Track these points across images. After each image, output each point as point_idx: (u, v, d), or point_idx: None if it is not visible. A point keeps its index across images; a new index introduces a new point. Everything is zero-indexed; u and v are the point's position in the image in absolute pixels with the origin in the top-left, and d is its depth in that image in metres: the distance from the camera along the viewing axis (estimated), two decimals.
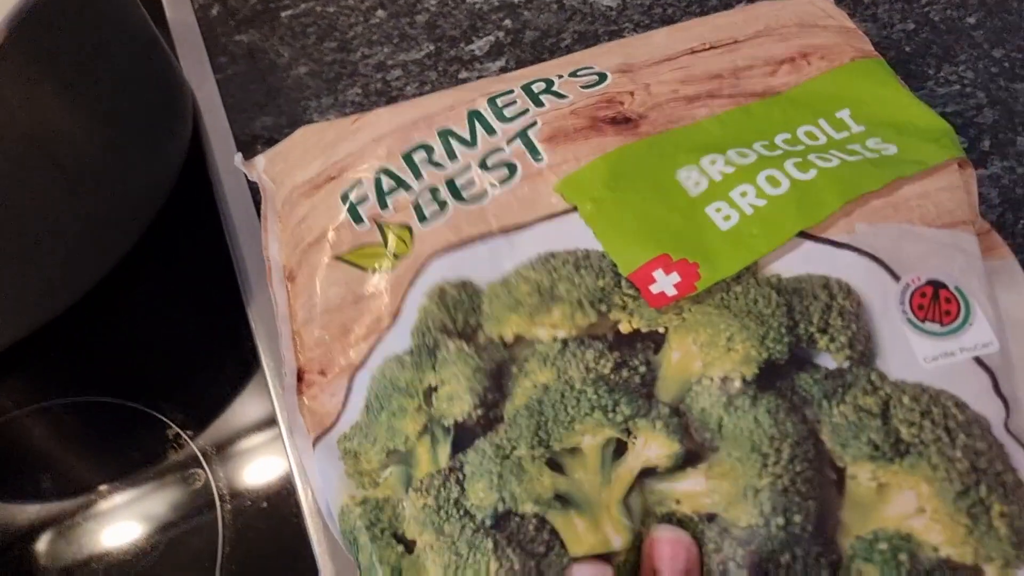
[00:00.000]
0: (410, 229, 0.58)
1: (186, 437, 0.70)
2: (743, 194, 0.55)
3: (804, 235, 0.53)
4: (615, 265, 0.54)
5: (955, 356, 0.50)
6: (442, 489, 0.50)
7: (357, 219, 0.60)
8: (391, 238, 0.58)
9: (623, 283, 0.53)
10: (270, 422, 0.68)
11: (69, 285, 0.75)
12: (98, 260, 0.76)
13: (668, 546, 0.47)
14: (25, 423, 0.73)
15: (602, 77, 0.64)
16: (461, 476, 0.50)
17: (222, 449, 0.69)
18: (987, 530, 0.45)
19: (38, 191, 0.67)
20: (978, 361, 0.50)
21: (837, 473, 0.48)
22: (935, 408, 0.48)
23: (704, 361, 0.50)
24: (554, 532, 0.48)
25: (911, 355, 0.50)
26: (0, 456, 0.71)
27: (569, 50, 0.89)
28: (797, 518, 0.46)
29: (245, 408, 0.71)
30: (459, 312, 0.54)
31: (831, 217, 0.54)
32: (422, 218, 0.58)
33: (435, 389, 0.53)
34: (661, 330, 0.52)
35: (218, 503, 0.65)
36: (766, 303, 0.51)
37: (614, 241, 0.55)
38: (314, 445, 0.57)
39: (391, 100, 0.88)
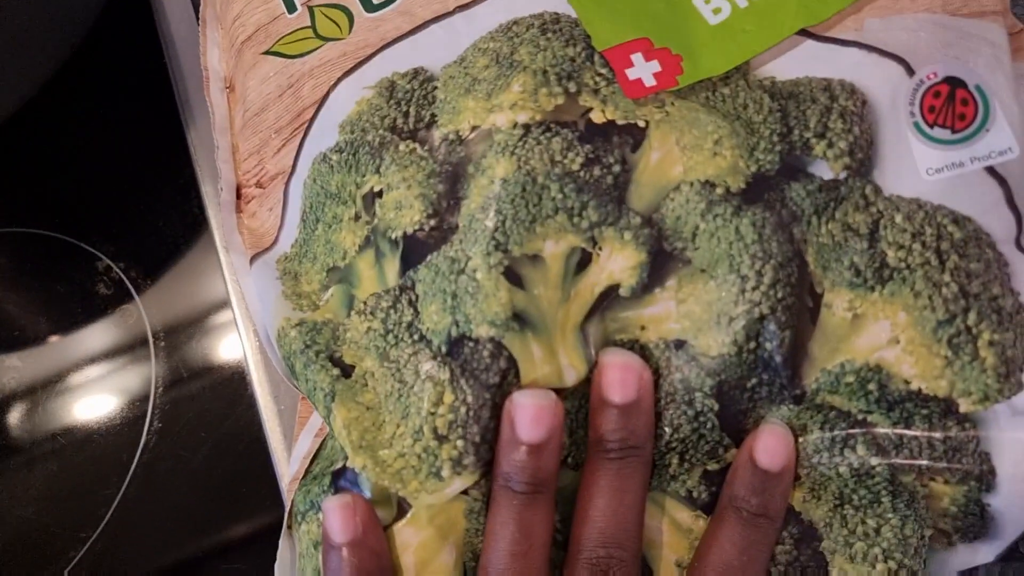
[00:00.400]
0: (348, 12, 0.51)
1: (118, 270, 0.63)
2: None
3: (805, 33, 0.46)
4: (589, 36, 0.46)
5: (964, 167, 0.43)
6: (391, 311, 0.44)
7: (291, 8, 0.52)
8: (320, 19, 0.51)
9: (596, 59, 0.46)
10: (209, 253, 0.61)
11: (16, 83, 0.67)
12: (22, 80, 0.67)
13: (618, 372, 0.41)
14: None
15: None
16: (414, 296, 0.43)
17: (156, 282, 0.62)
18: (970, 361, 0.40)
19: None
20: (991, 172, 0.43)
21: (814, 300, 0.42)
22: (928, 228, 0.42)
23: (686, 166, 0.43)
24: (511, 360, 0.42)
25: (912, 166, 0.43)
26: None
27: None
28: (769, 345, 0.40)
29: (183, 238, 0.64)
30: (411, 105, 0.47)
31: (837, 15, 0.46)
32: (368, 5, 0.50)
33: (378, 195, 0.46)
34: (641, 123, 0.44)
35: (151, 339, 0.60)
36: (757, 109, 0.44)
37: (590, 11, 0.47)
38: (251, 264, 0.51)
39: None
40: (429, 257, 0.44)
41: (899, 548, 0.41)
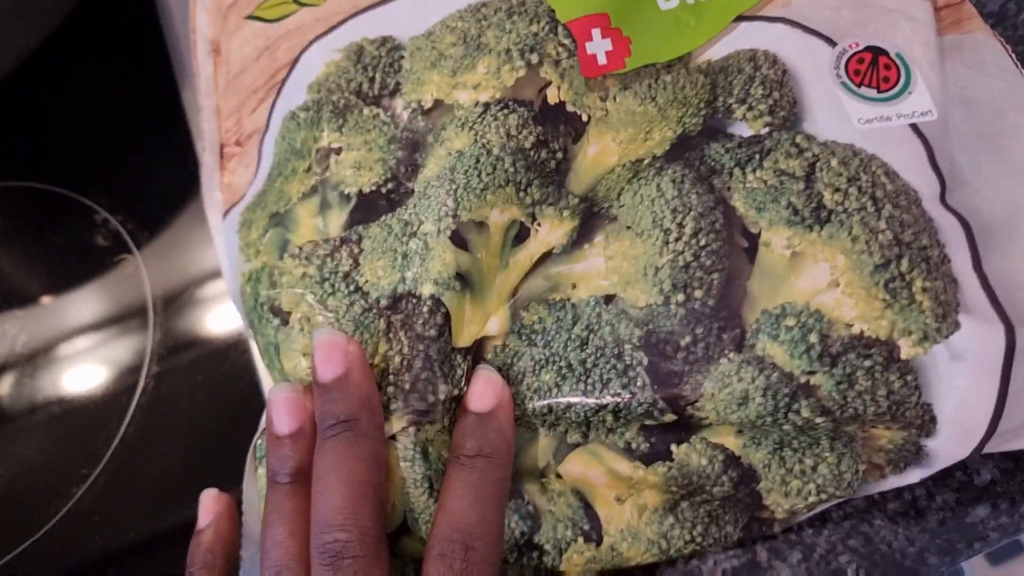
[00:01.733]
0: None
1: (115, 222, 0.60)
2: None
3: (740, 19, 0.44)
4: (552, 12, 0.43)
5: (891, 121, 0.40)
6: (328, 259, 0.41)
7: None
8: None
9: (560, 31, 0.43)
10: (203, 209, 0.54)
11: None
12: (20, 38, 0.64)
13: (480, 384, 0.38)
14: None
15: None
16: (357, 250, 0.41)
17: (153, 234, 0.60)
18: (907, 304, 0.36)
19: None
20: (915, 130, 0.40)
21: (749, 240, 0.39)
22: (864, 175, 0.38)
23: (620, 155, 0.41)
24: (447, 316, 0.39)
25: (844, 116, 0.40)
26: None
27: None
28: (698, 293, 0.37)
29: (179, 192, 0.61)
30: (377, 71, 0.44)
31: None
32: None
33: (336, 151, 0.43)
34: (584, 117, 0.42)
35: (148, 288, 0.57)
36: (692, 86, 0.41)
37: None
38: (224, 219, 0.48)
39: None
40: (383, 217, 0.41)
41: (833, 483, 0.38)
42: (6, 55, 0.63)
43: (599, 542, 0.39)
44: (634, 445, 0.38)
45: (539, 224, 0.40)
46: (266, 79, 0.48)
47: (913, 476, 0.39)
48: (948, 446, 0.37)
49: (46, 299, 0.59)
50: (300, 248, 0.42)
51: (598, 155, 0.42)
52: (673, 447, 0.38)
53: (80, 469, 0.54)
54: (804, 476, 0.38)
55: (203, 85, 0.52)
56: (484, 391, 0.38)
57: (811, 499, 0.38)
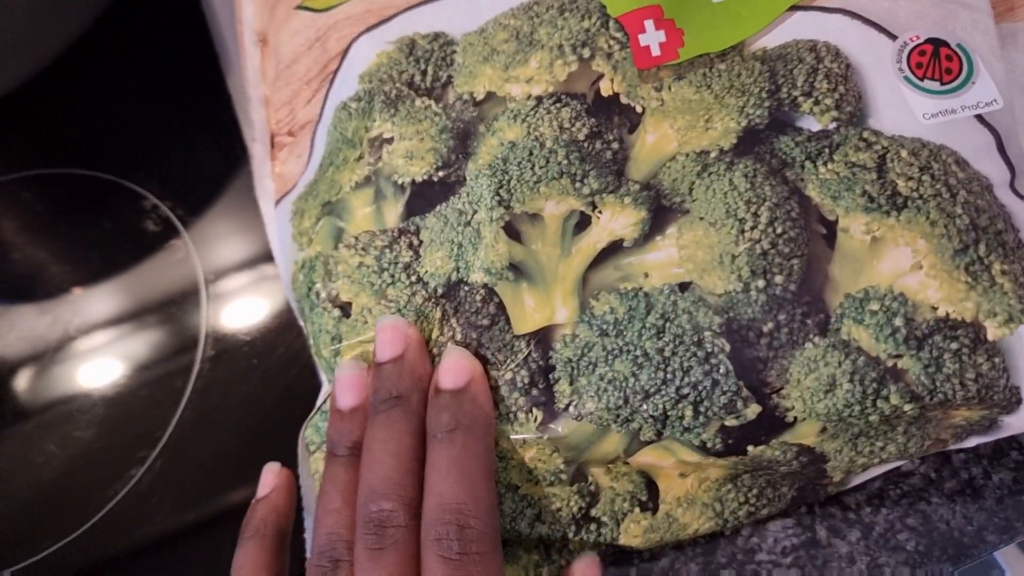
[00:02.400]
0: None
1: (164, 207, 0.58)
2: None
3: (795, 8, 0.41)
4: (604, 7, 0.41)
5: (956, 113, 0.38)
6: (387, 251, 0.39)
7: None
8: None
9: (611, 25, 0.41)
10: (251, 194, 0.53)
11: (35, 52, 0.61)
12: (66, 25, 0.61)
13: (449, 361, 0.36)
14: None
15: None
16: (416, 241, 0.39)
17: (203, 219, 0.58)
18: (989, 286, 0.34)
19: None
20: (981, 120, 0.38)
21: (827, 227, 0.37)
22: (935, 163, 0.36)
23: (680, 142, 0.39)
24: (500, 306, 0.37)
25: (909, 112, 0.38)
26: None
27: None
28: (779, 278, 0.35)
29: (226, 177, 0.59)
30: (429, 64, 0.42)
31: None
32: None
33: (388, 141, 0.41)
34: (639, 108, 0.40)
35: (200, 272, 0.55)
36: (749, 74, 0.39)
37: None
38: (276, 207, 0.46)
39: None
40: (439, 207, 0.39)
41: (896, 457, 0.36)
42: (51, 42, 0.59)
43: (655, 511, 0.37)
44: (709, 444, 0.35)
45: (600, 212, 0.38)
46: (319, 69, 0.45)
47: (972, 442, 0.37)
48: (1021, 421, 0.36)
49: (98, 284, 0.56)
50: (356, 238, 0.40)
51: (656, 142, 0.39)
52: (750, 448, 0.35)
53: (138, 452, 0.52)
54: (872, 455, 0.36)
55: (251, 76, 0.49)
56: (455, 367, 0.36)
57: (872, 467, 0.37)
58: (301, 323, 0.43)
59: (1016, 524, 0.41)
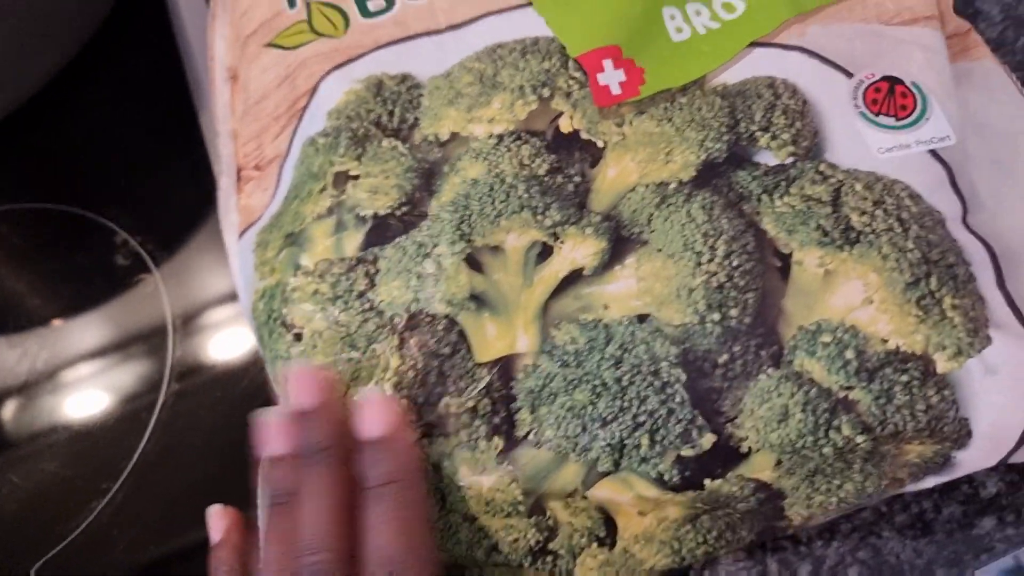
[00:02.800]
0: (344, 14, 0.47)
1: (134, 243, 0.58)
2: (697, 12, 0.44)
3: (755, 44, 0.43)
4: (564, 49, 0.42)
5: (910, 148, 0.39)
6: (343, 279, 0.39)
7: (291, 3, 0.49)
8: (316, 15, 0.47)
9: (570, 65, 0.42)
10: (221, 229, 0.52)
11: (10, 88, 0.61)
12: (41, 63, 0.61)
13: (367, 410, 0.35)
14: None
15: None
16: (373, 270, 0.39)
17: (173, 255, 0.58)
18: (940, 320, 0.35)
19: None
20: (935, 155, 0.39)
21: (782, 260, 0.37)
22: (888, 198, 0.37)
23: (640, 173, 0.39)
24: (462, 335, 0.37)
25: (864, 146, 0.39)
26: None
27: None
28: (734, 312, 0.35)
29: (197, 213, 0.58)
30: (396, 106, 0.43)
31: (783, 24, 0.43)
32: (365, 11, 0.47)
33: (354, 177, 0.42)
34: (600, 144, 0.40)
35: (168, 306, 0.55)
36: (709, 108, 0.40)
37: (566, 25, 0.43)
38: (239, 239, 0.46)
39: None
40: (397, 239, 0.40)
41: (854, 496, 0.36)
42: (27, 79, 0.60)
43: (612, 546, 0.37)
44: (667, 477, 0.35)
45: (562, 242, 0.38)
46: (288, 106, 0.46)
47: (929, 482, 0.37)
48: (976, 457, 0.35)
49: (67, 318, 0.56)
50: (314, 266, 0.40)
51: (618, 175, 0.40)
52: (707, 481, 0.35)
53: (100, 484, 0.51)
54: (829, 494, 0.36)
55: (220, 111, 0.50)
56: (373, 416, 0.36)
57: (831, 510, 0.38)
58: (261, 352, 0.42)
59: (965, 557, 0.41)
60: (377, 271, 0.39)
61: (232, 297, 0.55)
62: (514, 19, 0.45)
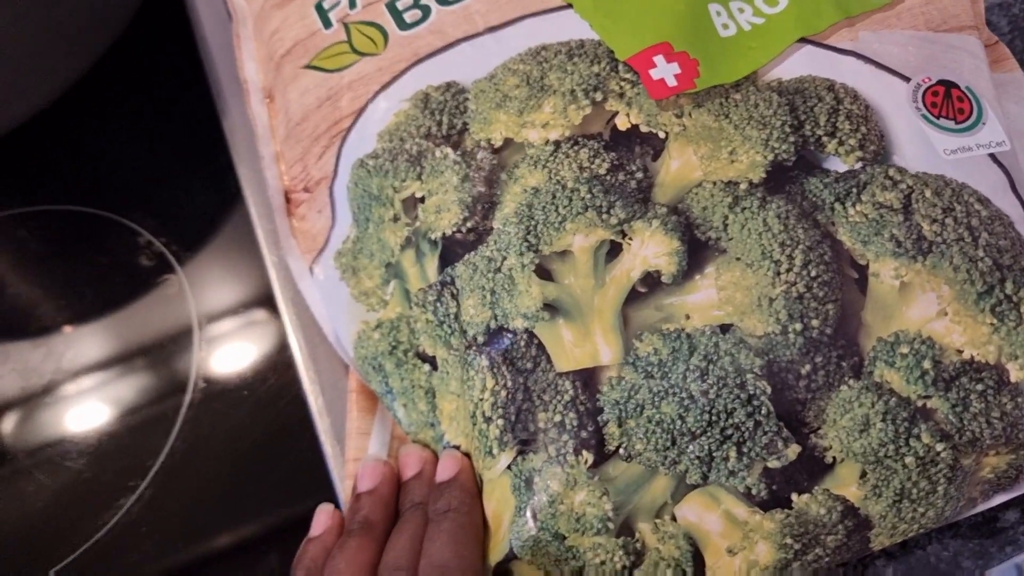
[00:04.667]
0: (383, 30, 0.46)
1: (159, 244, 0.56)
2: (740, 10, 0.43)
3: (805, 41, 0.42)
4: (612, 52, 0.41)
5: (972, 151, 0.39)
6: (438, 304, 0.39)
7: (327, 23, 0.47)
8: (356, 35, 0.46)
9: (620, 68, 0.41)
10: (246, 228, 0.54)
11: (36, 92, 0.58)
12: (67, 67, 0.59)
13: (443, 461, 0.41)
14: None
15: None
16: (455, 291, 0.39)
17: (197, 256, 0.56)
18: (1015, 326, 0.36)
19: None
20: (994, 159, 0.39)
21: (859, 271, 0.37)
22: (957, 205, 0.37)
23: (705, 171, 0.39)
24: (541, 347, 0.37)
25: (930, 148, 0.39)
26: None
27: None
28: (815, 323, 0.35)
29: (220, 215, 0.57)
30: (443, 115, 0.42)
31: (832, 27, 0.42)
32: (402, 24, 0.45)
33: (421, 200, 0.41)
34: (660, 134, 0.40)
35: (193, 306, 0.54)
36: (767, 105, 0.39)
37: (612, 28, 0.43)
38: (311, 268, 0.45)
39: None
40: (467, 256, 0.39)
41: (933, 522, 0.37)
42: (52, 82, 0.57)
43: None
44: (755, 491, 0.35)
45: (630, 239, 0.38)
46: (328, 127, 0.45)
47: (996, 500, 0.38)
48: None
49: (92, 318, 0.54)
50: (417, 296, 0.40)
51: (681, 168, 0.39)
52: (794, 496, 0.35)
53: (128, 481, 0.50)
54: (913, 521, 0.36)
55: (260, 132, 0.49)
56: (446, 465, 0.40)
57: (909, 536, 0.38)
58: (374, 381, 0.42)
59: (991, 549, 0.42)
60: (457, 291, 0.39)
61: (256, 296, 0.55)
62: (555, 20, 0.44)
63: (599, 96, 0.40)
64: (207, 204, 0.58)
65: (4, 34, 0.53)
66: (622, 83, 0.41)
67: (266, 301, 0.52)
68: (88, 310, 0.55)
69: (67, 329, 0.55)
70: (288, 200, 0.47)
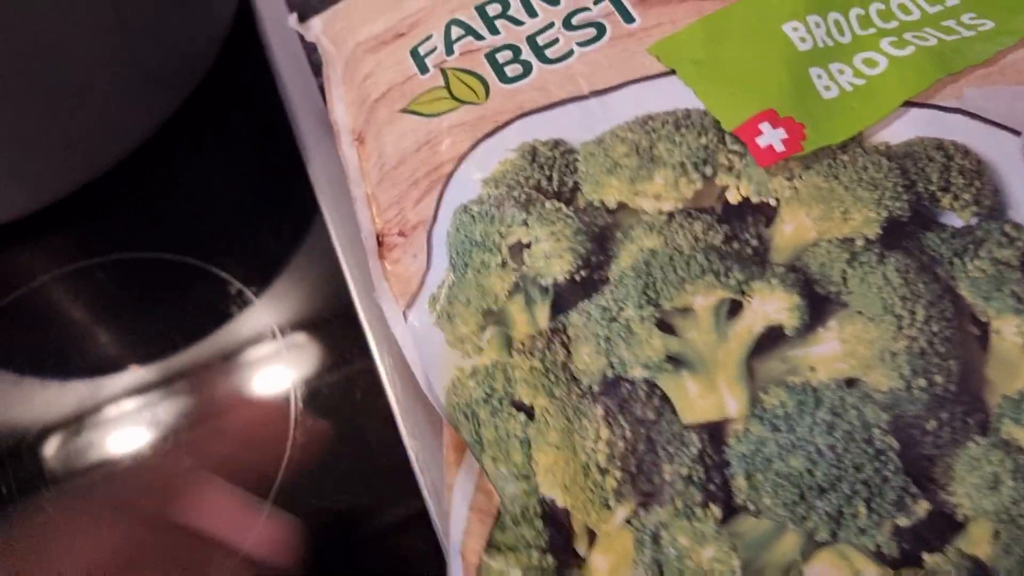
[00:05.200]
0: (483, 80, 0.46)
1: (250, 293, 0.57)
2: (840, 71, 0.43)
3: (909, 103, 0.42)
4: (718, 123, 0.42)
5: None
6: (547, 352, 0.38)
7: (423, 69, 0.48)
8: (455, 82, 0.47)
9: (728, 140, 0.41)
10: (337, 278, 0.54)
11: (122, 137, 0.60)
12: (148, 115, 0.60)
13: None
14: (74, 281, 0.59)
15: None
16: (566, 339, 0.39)
17: (288, 305, 0.56)
18: None
19: (91, 32, 0.53)
20: None
21: (980, 328, 0.37)
22: None
23: (819, 230, 0.39)
24: (665, 398, 0.37)
25: None
26: (47, 319, 0.57)
27: None
28: (939, 378, 0.35)
29: (311, 264, 0.57)
30: (553, 171, 0.42)
31: (935, 85, 0.42)
32: (503, 77, 0.46)
33: (527, 246, 0.41)
34: (772, 202, 0.40)
35: (287, 359, 0.54)
36: (877, 168, 0.39)
37: (717, 98, 0.43)
38: (405, 313, 0.45)
39: None
40: (580, 304, 0.39)
41: None
42: (138, 127, 0.59)
43: None
44: (885, 550, 0.34)
45: (750, 297, 0.38)
46: (427, 171, 0.45)
47: None
48: None
49: (186, 366, 0.55)
50: (523, 343, 0.39)
51: (795, 231, 0.40)
52: (925, 555, 0.34)
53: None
54: None
55: (351, 174, 0.49)
56: None
57: None
58: (456, 431, 0.42)
59: None
60: (569, 339, 0.39)
61: (351, 345, 0.54)
62: (659, 87, 0.45)
63: (708, 170, 0.41)
64: (296, 250, 0.58)
65: (93, 76, 0.54)
66: (730, 156, 0.41)
67: (360, 349, 0.53)
68: (178, 360, 0.55)
69: (158, 378, 0.55)
70: (380, 243, 0.47)
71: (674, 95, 0.44)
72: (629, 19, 0.48)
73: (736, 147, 0.41)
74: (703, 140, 0.42)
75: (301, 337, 0.55)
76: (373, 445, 0.52)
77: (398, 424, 0.48)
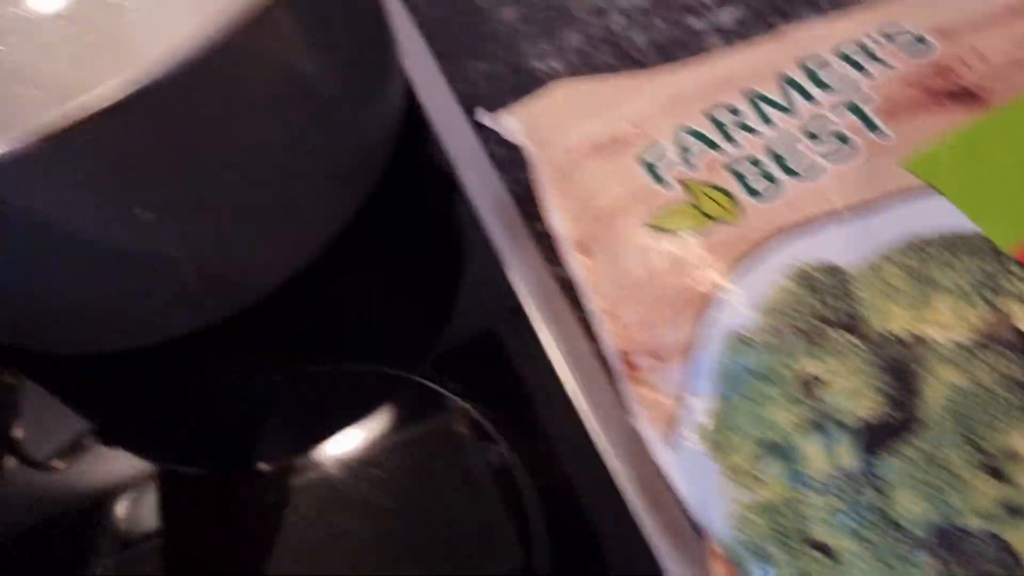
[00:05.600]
0: (731, 196, 0.45)
1: (476, 413, 0.54)
2: None
3: None
4: (993, 244, 0.40)
5: None
6: (857, 495, 0.37)
7: (658, 179, 0.46)
8: (704, 199, 0.45)
9: (1005, 260, 0.40)
10: (559, 392, 0.52)
11: (307, 242, 0.58)
12: (331, 217, 0.58)
13: None
14: (279, 389, 0.57)
15: (921, 41, 0.49)
16: (880, 483, 0.37)
17: (513, 421, 0.53)
18: None
19: (293, 125, 0.52)
20: None
21: None
22: None
23: None
24: (1009, 550, 0.35)
25: None
26: (254, 431, 0.55)
27: (813, 3, 0.68)
28: None
29: (536, 383, 0.54)
30: (832, 299, 0.41)
31: None
32: (752, 192, 0.45)
33: (819, 380, 0.40)
34: None
35: (523, 483, 0.51)
36: None
37: (988, 216, 0.41)
38: (667, 439, 0.43)
39: (617, 48, 0.68)
40: (892, 446, 0.38)
41: None
42: (321, 231, 0.59)
43: None
44: None
45: None
46: (679, 291, 0.44)
47: None
48: None
49: (407, 477, 0.54)
50: (824, 483, 0.38)
51: None
52: None
53: None
54: None
55: (581, 287, 0.48)
56: None
57: None
58: (737, 565, 0.41)
59: None
60: (884, 483, 0.37)
61: (591, 468, 0.51)
62: (922, 206, 0.43)
63: (992, 295, 0.40)
64: (522, 370, 0.55)
65: (298, 159, 0.53)
66: (1014, 279, 0.40)
67: (601, 479, 0.50)
68: (409, 479, 0.53)
69: (388, 497, 0.53)
70: (627, 363, 0.46)
71: (937, 213, 0.43)
72: (876, 131, 0.47)
73: (1016, 269, 0.40)
74: (983, 265, 0.40)
75: (529, 451, 0.52)
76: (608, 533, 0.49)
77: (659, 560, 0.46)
